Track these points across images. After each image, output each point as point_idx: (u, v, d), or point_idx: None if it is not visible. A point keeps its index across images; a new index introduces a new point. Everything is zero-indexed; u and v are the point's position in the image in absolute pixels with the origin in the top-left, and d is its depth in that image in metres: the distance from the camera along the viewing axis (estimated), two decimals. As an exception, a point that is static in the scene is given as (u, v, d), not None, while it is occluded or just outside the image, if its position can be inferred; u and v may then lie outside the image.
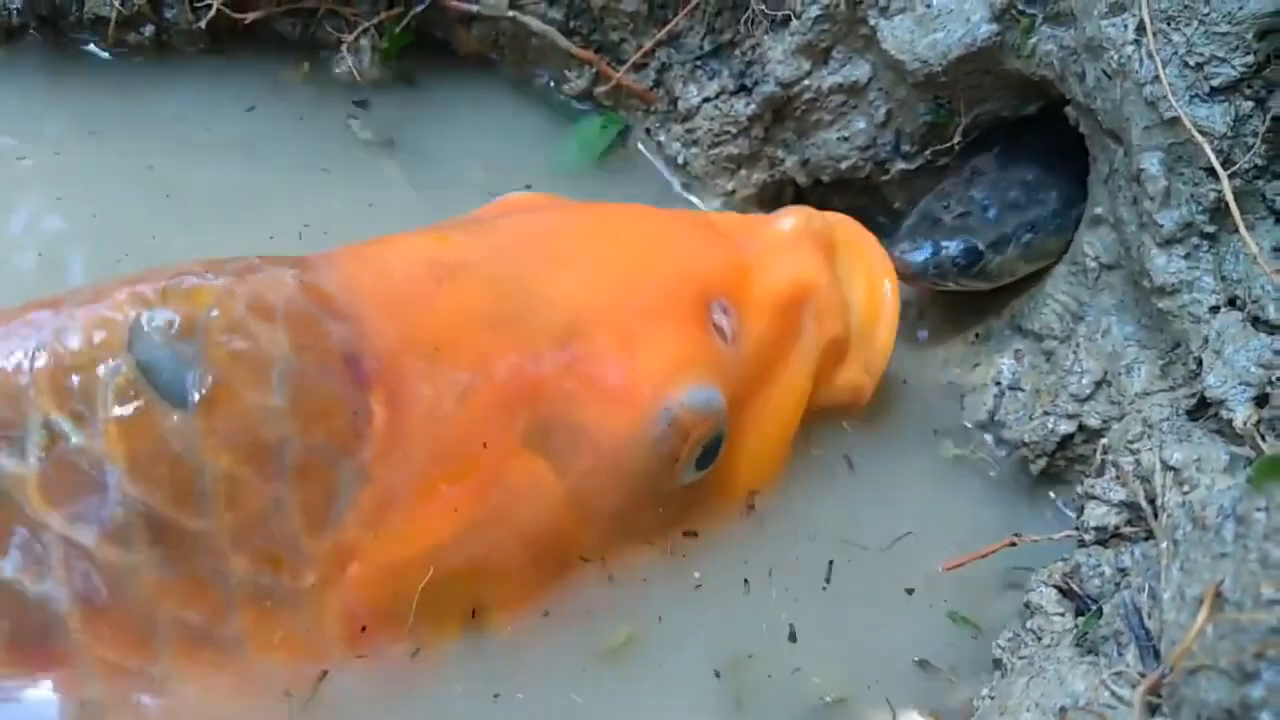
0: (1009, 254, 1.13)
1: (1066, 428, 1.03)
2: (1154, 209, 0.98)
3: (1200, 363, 0.93)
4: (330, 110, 1.34)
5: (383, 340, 0.78)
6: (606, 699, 0.86)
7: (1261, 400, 0.89)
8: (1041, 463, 1.05)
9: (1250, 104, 0.94)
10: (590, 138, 1.34)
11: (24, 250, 1.14)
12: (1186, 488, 0.85)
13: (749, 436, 0.95)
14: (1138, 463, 0.91)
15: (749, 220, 1.05)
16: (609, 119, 1.36)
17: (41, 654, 0.72)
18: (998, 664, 0.90)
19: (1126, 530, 0.90)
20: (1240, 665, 0.64)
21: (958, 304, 1.20)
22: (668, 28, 1.29)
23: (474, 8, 1.31)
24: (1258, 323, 0.93)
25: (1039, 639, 0.88)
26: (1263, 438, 0.86)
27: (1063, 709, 0.77)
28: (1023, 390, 1.10)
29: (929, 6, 1.17)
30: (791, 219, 1.01)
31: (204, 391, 0.73)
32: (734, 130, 1.27)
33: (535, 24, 1.31)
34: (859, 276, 1.05)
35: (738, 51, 1.27)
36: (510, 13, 1.31)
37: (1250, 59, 0.94)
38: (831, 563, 0.98)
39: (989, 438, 1.11)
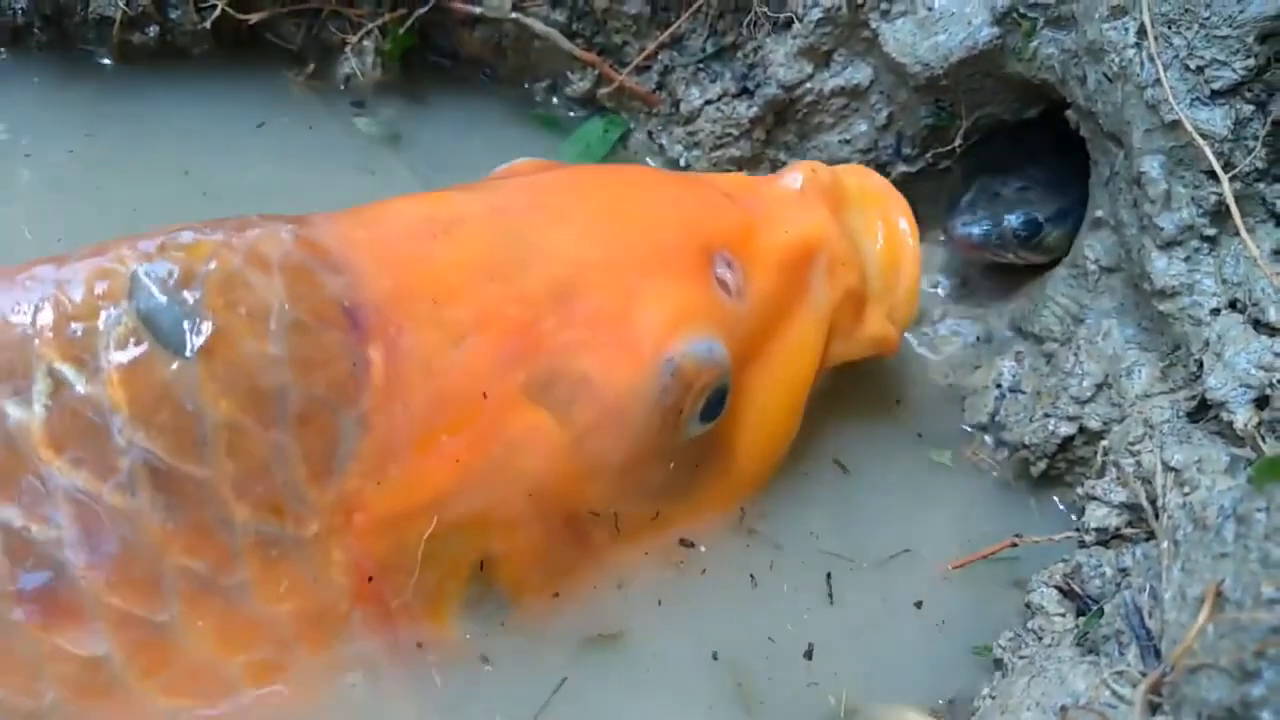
0: (1067, 228, 1.14)
1: (1067, 430, 1.03)
2: (1154, 212, 0.98)
3: (1201, 365, 0.94)
4: (333, 112, 1.34)
5: (380, 292, 0.78)
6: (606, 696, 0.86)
7: (1262, 402, 0.89)
8: (1042, 464, 1.05)
9: (1251, 107, 0.95)
10: (593, 140, 1.35)
11: (29, 252, 1.14)
12: (1187, 489, 0.85)
13: (758, 393, 0.94)
14: (1138, 464, 0.91)
15: (753, 179, 1.04)
16: (611, 121, 1.36)
17: (49, 600, 0.72)
18: (999, 664, 0.90)
19: (1127, 531, 0.90)
20: (1241, 664, 0.64)
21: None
22: (670, 30, 1.29)
23: (477, 10, 1.31)
24: (1258, 325, 0.93)
25: (1040, 639, 0.88)
26: (1263, 439, 0.86)
27: (1064, 708, 0.77)
28: (1024, 392, 1.10)
29: (930, 9, 1.17)
30: (797, 174, 1.00)
31: (203, 340, 0.73)
32: (736, 132, 1.28)
33: (538, 26, 1.31)
34: (873, 224, 1.03)
35: (740, 54, 1.27)
36: (513, 15, 1.31)
37: (1251, 62, 0.94)
38: (830, 570, 0.98)
39: (990, 440, 1.11)
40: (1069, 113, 1.13)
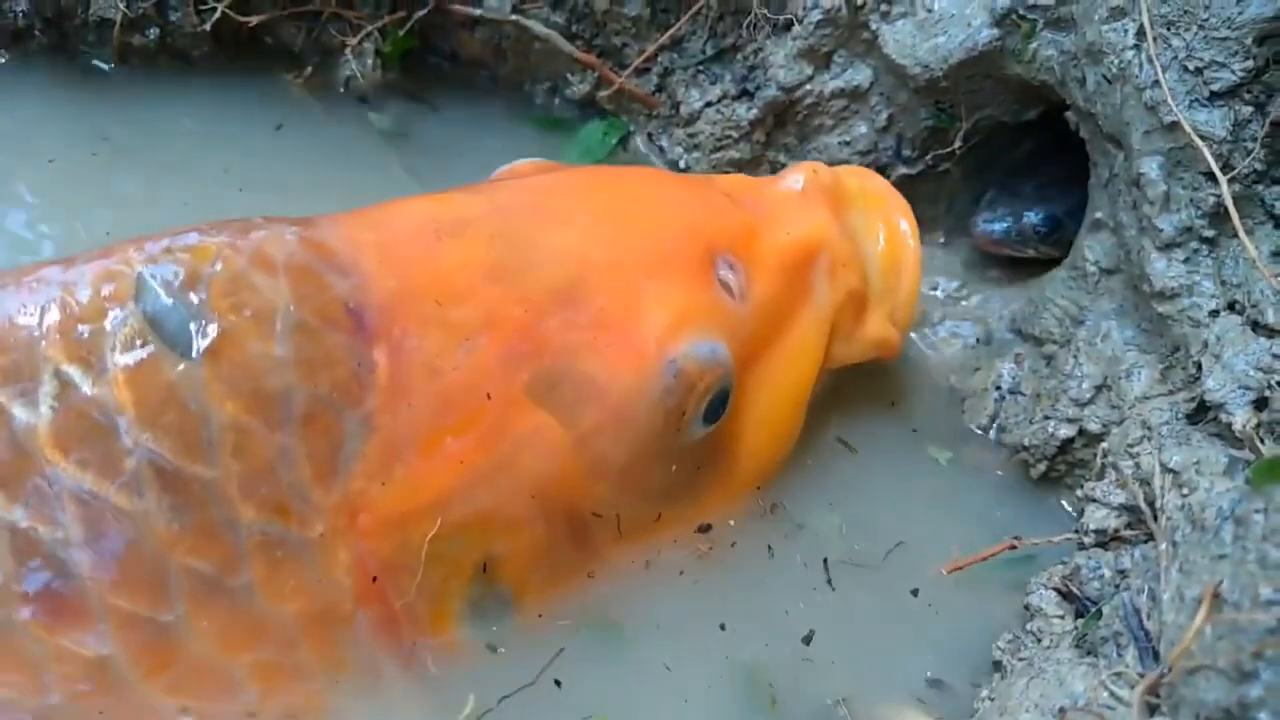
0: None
1: (1067, 431, 1.03)
2: (1154, 213, 0.98)
3: (1200, 367, 0.94)
4: (332, 114, 1.34)
5: (384, 293, 0.79)
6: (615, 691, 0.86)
7: (1260, 404, 0.89)
8: (1042, 466, 1.05)
9: (1250, 109, 0.95)
10: (593, 142, 1.35)
11: (32, 255, 1.14)
12: (1186, 490, 0.85)
13: (760, 395, 0.94)
14: (1137, 466, 0.91)
15: (754, 180, 1.04)
16: (611, 124, 1.36)
17: (55, 601, 0.73)
18: (997, 665, 0.90)
19: (1126, 533, 0.90)
20: (1238, 665, 0.64)
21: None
22: (670, 32, 1.29)
23: (477, 12, 1.31)
24: (1257, 327, 0.93)
25: (1039, 640, 0.88)
26: (1262, 441, 0.86)
27: (1062, 710, 0.77)
28: (1023, 394, 1.10)
29: (930, 11, 1.17)
30: (798, 175, 1.00)
31: (208, 341, 0.74)
32: (736, 134, 1.28)
33: (538, 28, 1.31)
34: (874, 226, 1.04)
35: (740, 56, 1.28)
36: (513, 17, 1.31)
37: (1250, 64, 0.94)
38: (828, 563, 0.98)
39: (989, 441, 1.11)
40: (1068, 114, 1.13)
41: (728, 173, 1.29)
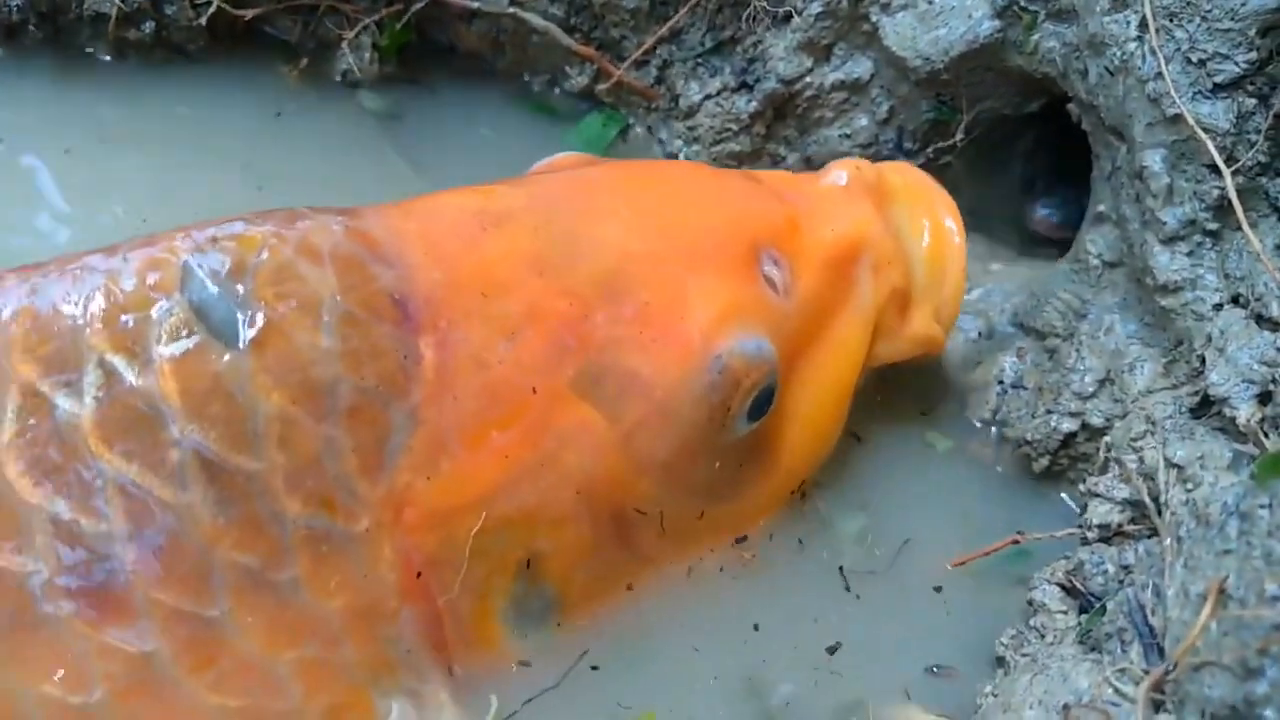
0: None
1: (1069, 426, 1.03)
2: (1157, 206, 0.97)
3: (1203, 360, 0.93)
4: (328, 108, 1.33)
5: (429, 284, 0.78)
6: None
7: (1265, 398, 0.89)
8: (1044, 461, 1.04)
9: (1253, 100, 0.94)
10: (592, 135, 1.34)
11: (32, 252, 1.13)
12: (1190, 485, 0.85)
13: (803, 393, 0.93)
14: (1141, 460, 0.91)
15: (797, 175, 1.03)
16: (610, 117, 1.35)
17: (99, 596, 0.71)
18: (1001, 661, 0.90)
19: (1130, 528, 0.90)
20: (1244, 662, 0.64)
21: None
22: (669, 24, 1.29)
23: (475, 4, 1.31)
24: (1261, 320, 0.93)
25: (1042, 636, 0.88)
26: (1266, 435, 0.86)
27: (1066, 706, 0.77)
28: (1025, 388, 1.09)
29: (931, 3, 1.17)
30: (842, 171, 0.99)
31: (255, 331, 0.73)
32: (735, 127, 1.27)
33: (536, 21, 1.30)
34: (918, 222, 1.02)
35: (739, 48, 1.27)
36: (511, 9, 1.30)
37: (1253, 55, 0.94)
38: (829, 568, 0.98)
39: (992, 435, 1.10)
40: (1070, 106, 1.13)
41: (728, 165, 1.29)
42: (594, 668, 0.86)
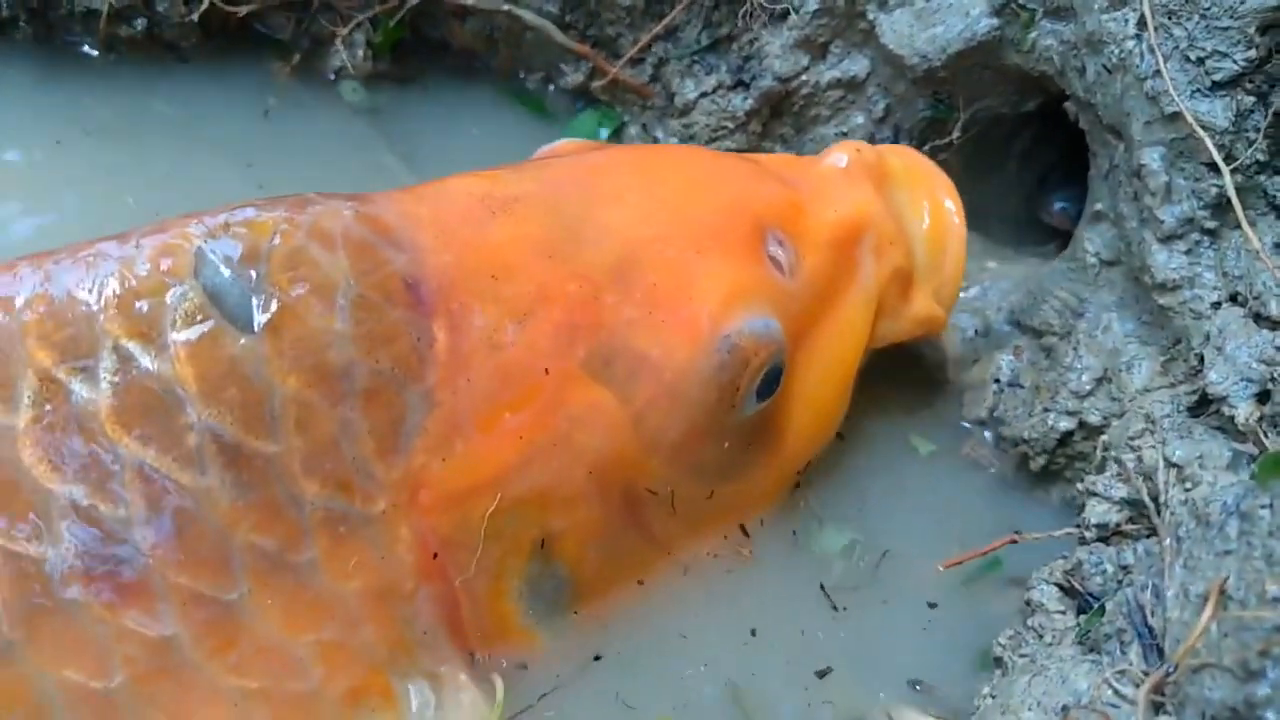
0: None
1: (1067, 425, 1.02)
2: (1155, 204, 0.97)
3: (1202, 359, 0.93)
4: (320, 105, 1.33)
5: (440, 268, 0.79)
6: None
7: (1263, 397, 0.88)
8: (1042, 460, 1.04)
9: (1252, 99, 0.94)
10: (586, 133, 1.34)
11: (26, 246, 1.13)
12: (1189, 485, 0.85)
13: (808, 372, 0.94)
14: (1139, 460, 0.90)
15: (798, 158, 1.04)
16: (605, 114, 1.35)
17: (118, 580, 0.72)
18: (999, 662, 0.89)
19: (1128, 527, 0.89)
20: (1245, 663, 0.64)
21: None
22: (665, 22, 1.28)
23: (469, 1, 1.30)
24: (1259, 319, 0.92)
25: (1040, 637, 0.88)
26: (1265, 434, 0.86)
27: (1065, 708, 0.77)
28: (1022, 387, 1.09)
29: (928, 1, 1.16)
30: (842, 153, 1.00)
31: (269, 315, 0.73)
32: (731, 125, 1.27)
33: (531, 18, 1.30)
34: (918, 204, 1.03)
35: (735, 46, 1.26)
36: (505, 6, 1.30)
37: (1252, 53, 0.93)
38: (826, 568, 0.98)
39: (989, 435, 1.10)
40: (1068, 105, 1.12)
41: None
42: (596, 657, 0.87)
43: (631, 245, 0.85)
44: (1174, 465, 0.87)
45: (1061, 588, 0.90)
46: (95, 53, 1.30)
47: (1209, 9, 0.95)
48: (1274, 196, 0.95)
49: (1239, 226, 0.93)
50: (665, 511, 0.89)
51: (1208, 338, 0.93)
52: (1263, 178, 0.95)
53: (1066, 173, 1.24)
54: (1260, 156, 0.94)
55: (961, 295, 1.22)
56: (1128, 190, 1.01)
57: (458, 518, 0.79)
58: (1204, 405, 0.92)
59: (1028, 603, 0.91)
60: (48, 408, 0.72)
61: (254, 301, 0.73)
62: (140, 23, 1.27)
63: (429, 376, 0.77)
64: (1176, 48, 0.96)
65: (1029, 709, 0.79)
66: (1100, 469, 0.96)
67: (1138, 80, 0.98)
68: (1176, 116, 0.95)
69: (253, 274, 0.74)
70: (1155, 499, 0.87)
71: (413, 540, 0.77)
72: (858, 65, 1.23)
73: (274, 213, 0.76)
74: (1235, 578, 0.69)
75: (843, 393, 0.99)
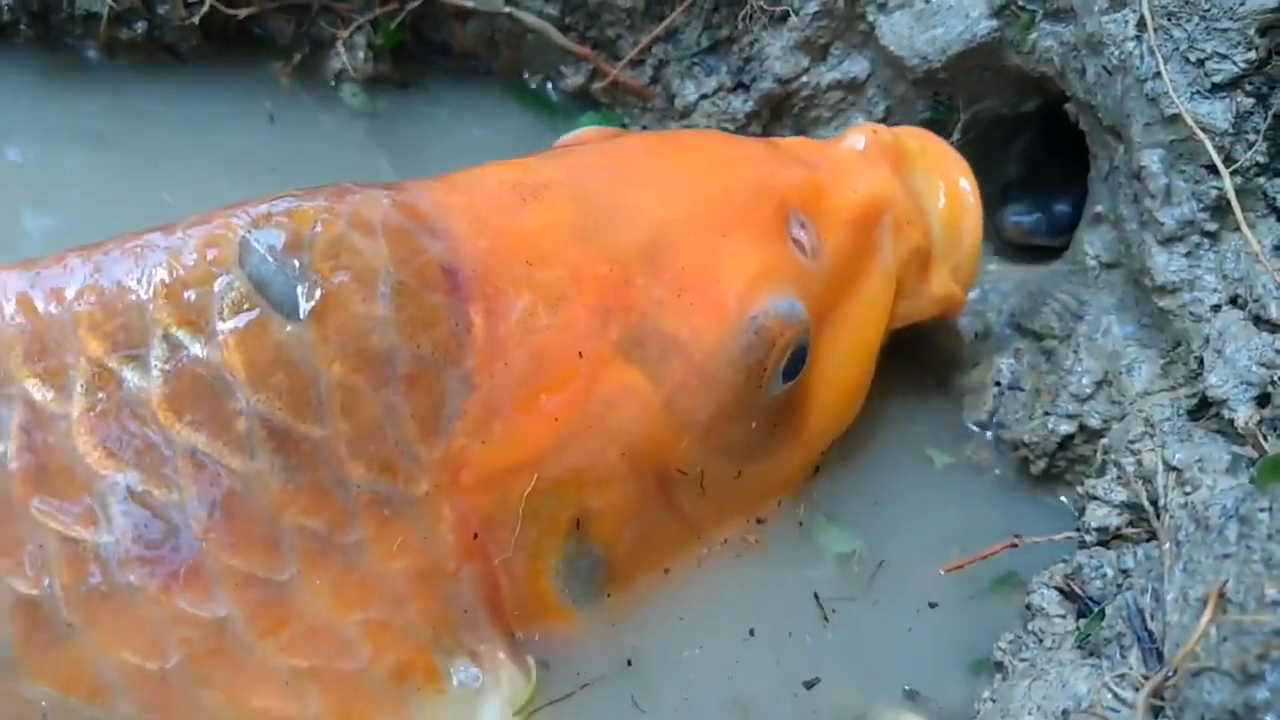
0: None
1: (1067, 428, 1.02)
2: (1155, 207, 0.97)
3: (1201, 362, 0.93)
4: (320, 109, 1.33)
5: (476, 254, 0.80)
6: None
7: (1263, 400, 0.88)
8: (1042, 463, 1.04)
9: (1252, 100, 0.94)
10: (585, 134, 1.33)
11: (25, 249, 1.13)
12: (1189, 488, 0.85)
13: (831, 352, 0.95)
14: (1139, 463, 0.90)
15: (816, 141, 1.06)
16: (605, 116, 1.35)
17: (172, 563, 0.74)
18: (999, 666, 0.89)
19: (1128, 531, 0.89)
20: (1244, 667, 0.64)
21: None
22: (665, 23, 1.28)
23: (470, 4, 1.30)
24: (1259, 321, 0.92)
25: (1040, 641, 0.88)
26: (1265, 437, 0.85)
27: (1065, 712, 0.77)
28: (1023, 390, 1.09)
29: (928, 2, 1.16)
30: (859, 135, 1.01)
31: (314, 303, 0.75)
32: (732, 127, 1.27)
33: (531, 20, 1.30)
34: (935, 184, 1.05)
35: (735, 48, 1.26)
36: (506, 8, 1.30)
37: (1252, 55, 0.93)
38: (825, 569, 0.98)
39: (989, 438, 1.10)
40: (1068, 106, 1.12)
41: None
42: (629, 662, 0.88)
43: (660, 229, 0.87)
44: (1173, 468, 0.87)
45: (1062, 591, 0.90)
46: (96, 55, 1.30)
47: (1209, 10, 0.95)
48: (1274, 199, 0.95)
49: (1239, 229, 0.93)
50: (695, 491, 0.90)
51: (1207, 341, 0.93)
52: (1262, 180, 0.94)
53: (1028, 182, 1.23)
54: (1260, 159, 0.93)
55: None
56: (1128, 192, 1.01)
57: (497, 498, 0.81)
58: (1204, 408, 0.92)
59: (1028, 607, 0.91)
60: (100, 396, 0.74)
61: (298, 289, 0.75)
62: (141, 26, 1.28)
63: (467, 360, 0.79)
64: (1176, 49, 0.96)
65: (1029, 713, 0.79)
66: (1100, 472, 0.95)
67: (1138, 82, 0.98)
68: (1176, 118, 0.95)
69: (296, 262, 0.76)
70: (1155, 502, 0.87)
71: (454, 521, 0.80)
72: (858, 67, 1.23)
73: (315, 202, 0.78)
74: (1234, 581, 0.69)
75: (865, 372, 1.01)
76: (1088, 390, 1.02)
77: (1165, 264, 0.97)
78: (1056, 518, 1.02)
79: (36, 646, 0.73)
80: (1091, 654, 0.81)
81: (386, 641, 0.79)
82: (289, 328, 0.75)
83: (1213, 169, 0.94)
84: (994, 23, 1.14)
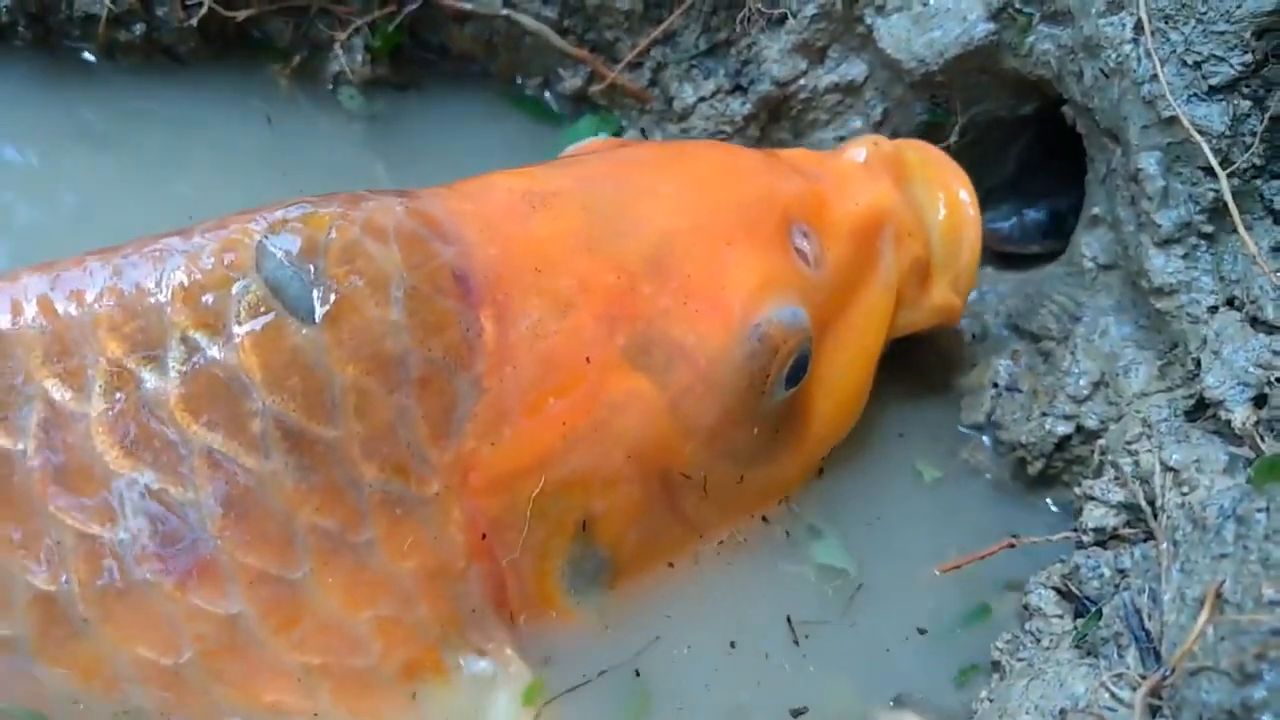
0: None
1: (1064, 429, 1.02)
2: (1152, 209, 0.97)
3: (1199, 363, 0.93)
4: (318, 111, 1.33)
5: (487, 261, 0.82)
6: None
7: (1260, 400, 0.88)
8: (1039, 464, 1.04)
9: (1248, 103, 0.94)
10: (584, 138, 1.33)
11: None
12: (1186, 488, 0.85)
13: (833, 360, 0.97)
14: (1136, 464, 0.91)
15: (818, 153, 1.07)
16: (603, 119, 1.35)
17: (187, 560, 0.75)
18: (996, 666, 0.89)
19: (1125, 531, 0.89)
20: (1241, 666, 0.64)
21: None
22: (663, 26, 1.28)
23: (468, 6, 1.30)
24: (1256, 323, 0.92)
25: (1038, 641, 0.88)
26: (1262, 438, 0.86)
27: (1063, 711, 0.77)
28: (1020, 391, 1.09)
29: (926, 5, 1.16)
30: (861, 148, 1.03)
31: (329, 306, 0.77)
32: (730, 130, 1.27)
33: (529, 22, 1.30)
34: (935, 196, 1.06)
35: (733, 50, 1.27)
36: (504, 11, 1.30)
37: (1248, 58, 0.93)
38: (823, 568, 0.98)
39: (986, 439, 1.10)
40: (1065, 109, 1.12)
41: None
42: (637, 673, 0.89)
43: (666, 237, 0.88)
44: (1171, 469, 0.87)
45: (1059, 592, 0.90)
46: (94, 58, 1.30)
47: (1205, 13, 0.95)
48: (1270, 201, 0.95)
49: (1236, 231, 0.93)
50: (699, 495, 0.92)
51: (1205, 342, 0.93)
52: (1259, 182, 0.95)
53: (1007, 189, 1.23)
54: (1257, 161, 0.94)
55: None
56: (1125, 194, 1.02)
57: (505, 500, 0.82)
58: (1201, 409, 0.92)
59: (1025, 607, 0.91)
60: (119, 396, 0.75)
61: (314, 293, 0.77)
62: (139, 28, 1.28)
63: (478, 365, 0.80)
64: (1173, 52, 0.96)
65: (1026, 712, 0.79)
66: (1097, 473, 0.96)
67: (1135, 84, 0.98)
68: (1173, 121, 0.95)
69: (312, 267, 0.77)
70: (1152, 503, 0.87)
71: (463, 521, 0.81)
72: (855, 69, 1.23)
73: (330, 208, 0.80)
74: (1232, 581, 0.69)
75: (865, 380, 1.02)
76: (1085, 391, 1.02)
77: (1163, 266, 0.97)
78: (1054, 518, 1.02)
79: (53, 640, 0.75)
80: (1089, 654, 0.81)
81: (396, 639, 0.80)
82: (304, 331, 0.76)
83: (1210, 171, 0.94)
84: (991, 26, 1.14)
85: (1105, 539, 0.90)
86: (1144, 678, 0.73)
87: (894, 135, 1.24)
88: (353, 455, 0.77)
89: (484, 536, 0.82)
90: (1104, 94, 1.03)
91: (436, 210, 0.83)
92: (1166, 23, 0.96)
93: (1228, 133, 0.94)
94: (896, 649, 0.94)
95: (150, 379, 0.75)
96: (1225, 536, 0.73)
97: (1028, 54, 1.13)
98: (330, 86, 1.33)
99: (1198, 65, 0.95)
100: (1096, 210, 1.07)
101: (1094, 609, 0.85)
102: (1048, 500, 1.05)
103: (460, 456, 0.80)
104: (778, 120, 1.27)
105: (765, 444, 0.94)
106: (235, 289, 0.76)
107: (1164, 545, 0.79)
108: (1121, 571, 0.86)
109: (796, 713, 0.89)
